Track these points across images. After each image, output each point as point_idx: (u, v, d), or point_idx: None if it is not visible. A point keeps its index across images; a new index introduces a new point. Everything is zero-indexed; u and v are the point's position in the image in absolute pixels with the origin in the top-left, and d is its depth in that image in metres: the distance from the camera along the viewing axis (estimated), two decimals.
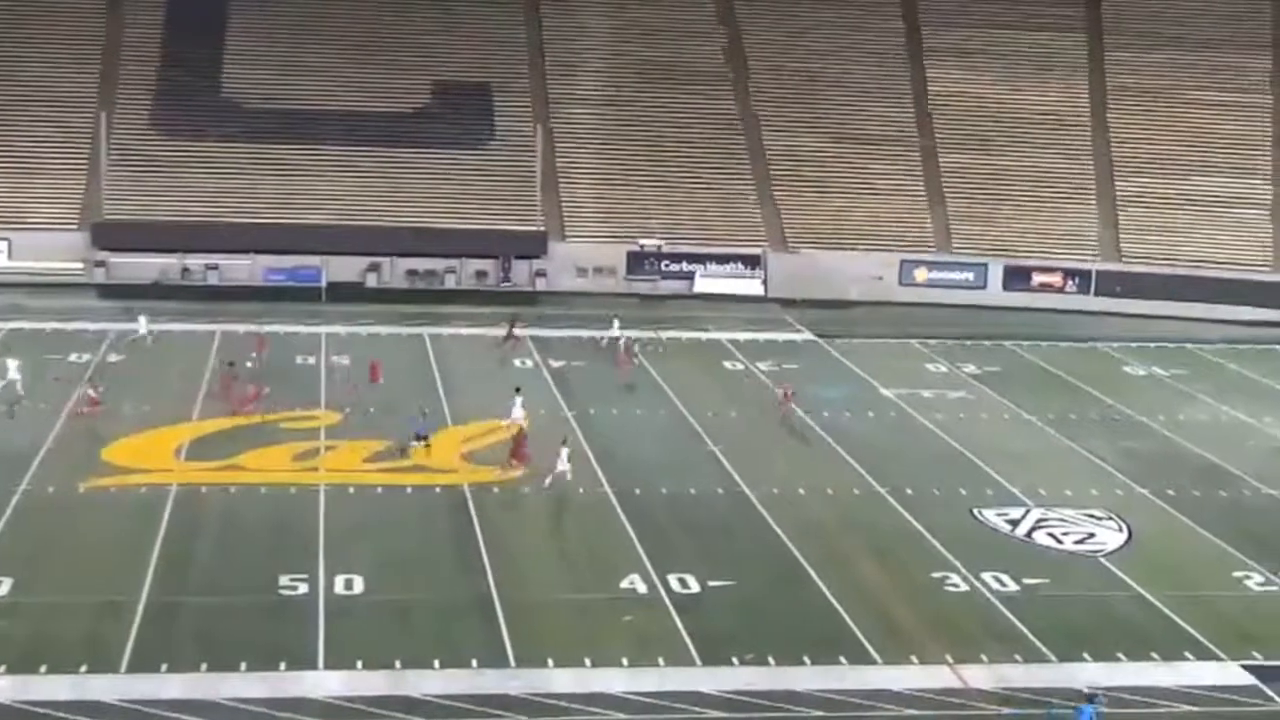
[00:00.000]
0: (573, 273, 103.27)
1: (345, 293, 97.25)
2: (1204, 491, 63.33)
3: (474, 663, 43.80)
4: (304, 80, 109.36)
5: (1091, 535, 57.08)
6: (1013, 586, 51.34)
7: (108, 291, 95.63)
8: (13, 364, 70.84)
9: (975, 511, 59.24)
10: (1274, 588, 52.46)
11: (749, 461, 64.37)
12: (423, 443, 64.13)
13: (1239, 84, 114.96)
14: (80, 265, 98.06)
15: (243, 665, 42.94)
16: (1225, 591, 52.15)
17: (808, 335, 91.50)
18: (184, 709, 40.39)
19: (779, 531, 56.07)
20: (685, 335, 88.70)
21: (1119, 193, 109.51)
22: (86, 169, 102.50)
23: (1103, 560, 54.53)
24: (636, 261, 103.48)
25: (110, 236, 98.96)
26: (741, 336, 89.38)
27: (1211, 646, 46.92)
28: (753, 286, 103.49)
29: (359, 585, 49.28)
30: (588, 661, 44.19)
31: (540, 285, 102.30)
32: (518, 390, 68.89)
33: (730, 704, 42.10)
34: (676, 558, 52.76)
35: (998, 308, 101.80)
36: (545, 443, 62.70)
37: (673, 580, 50.57)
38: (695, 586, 50.27)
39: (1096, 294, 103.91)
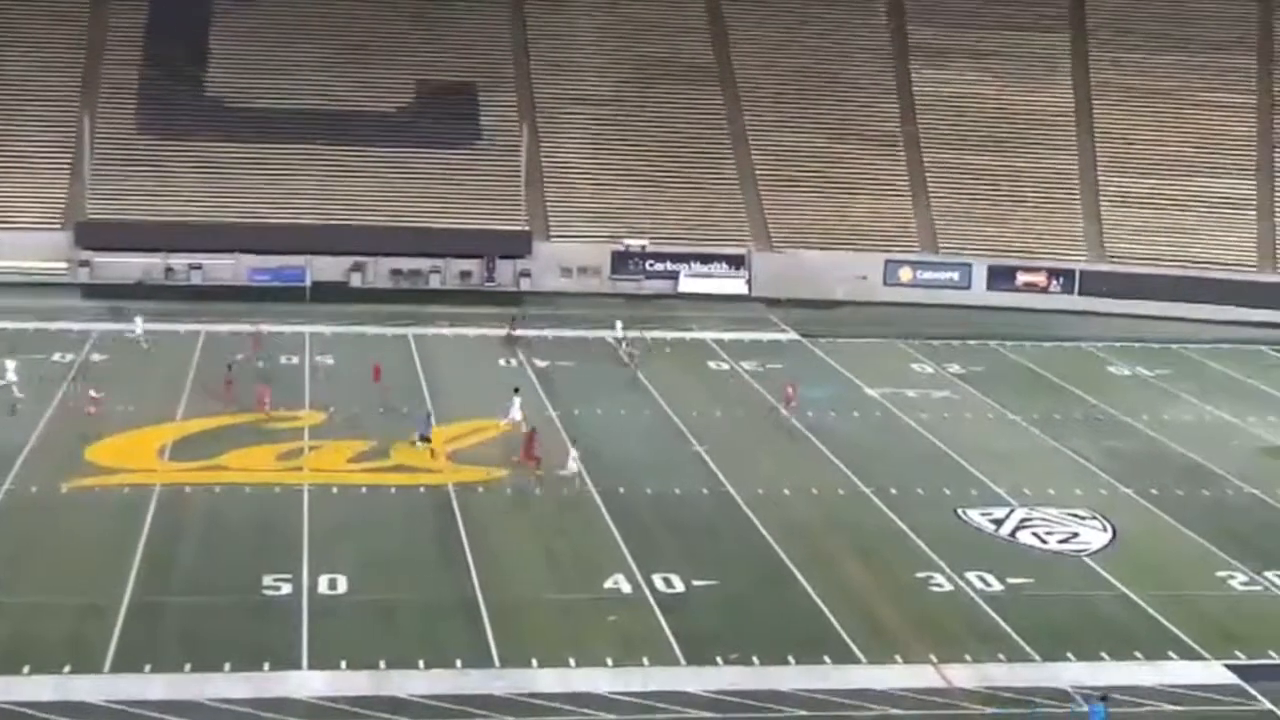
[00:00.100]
0: (557, 272, 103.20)
1: (330, 292, 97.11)
2: (1188, 491, 63.42)
3: (458, 663, 43.76)
4: (288, 80, 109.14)
5: (1075, 535, 57.14)
6: (997, 586, 51.39)
7: (91, 291, 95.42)
8: (10, 364, 70.74)
9: (959, 511, 59.29)
10: (1257, 587, 52.55)
11: (734, 461, 64.39)
12: (425, 444, 64.13)
13: (1224, 83, 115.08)
14: (64, 265, 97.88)
15: (226, 665, 42.89)
16: (1209, 591, 52.23)
17: (792, 335, 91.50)
18: (168, 709, 40.31)
19: (764, 531, 56.08)
20: (670, 335, 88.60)
21: (1103, 192, 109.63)
22: (70, 168, 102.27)
23: (1086, 560, 54.59)
24: (621, 261, 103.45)
25: (94, 236, 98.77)
26: (726, 336, 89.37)
27: (1195, 646, 46.99)
28: (737, 286, 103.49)
29: (343, 585, 49.24)
30: (572, 661, 44.16)
31: (525, 285, 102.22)
32: (516, 390, 69.02)
33: (715, 704, 42.09)
34: (661, 558, 52.76)
35: (982, 307, 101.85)
36: (546, 443, 63.03)
37: (657, 580, 50.57)
38: (680, 586, 50.28)
39: (1081, 294, 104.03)
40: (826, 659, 45.16)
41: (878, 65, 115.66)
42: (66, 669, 42.43)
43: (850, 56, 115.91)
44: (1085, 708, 41.86)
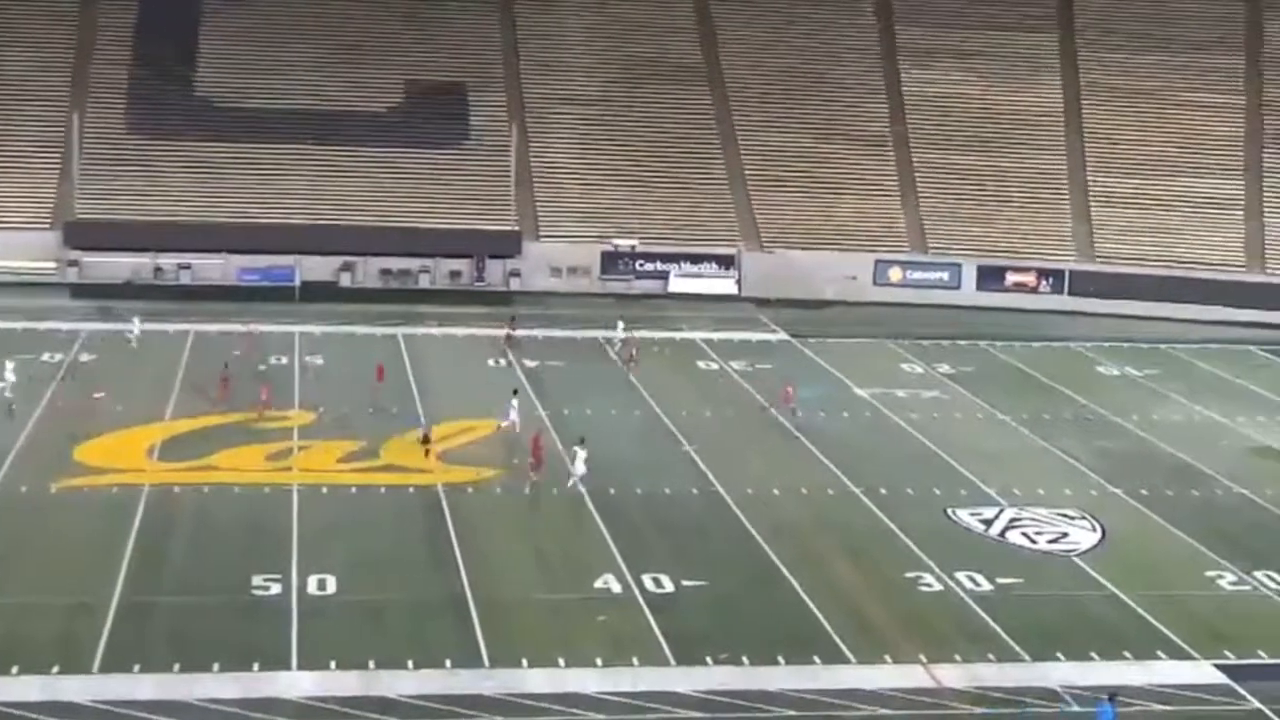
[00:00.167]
0: (547, 272, 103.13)
1: (319, 292, 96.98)
2: (1177, 491, 63.49)
3: (448, 663, 43.76)
4: (278, 80, 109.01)
5: (1065, 535, 57.19)
6: (986, 586, 51.43)
7: (80, 291, 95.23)
8: (9, 365, 70.71)
9: (949, 511, 59.32)
10: (1246, 587, 52.61)
11: (724, 461, 64.41)
12: (427, 443, 64.18)
13: (1213, 83, 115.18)
14: (53, 265, 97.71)
15: (215, 666, 42.85)
16: (1198, 591, 52.30)
17: (782, 335, 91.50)
18: (156, 709, 40.27)
19: (753, 531, 56.10)
20: (659, 335, 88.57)
21: (1092, 192, 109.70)
22: (59, 168, 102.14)
23: (1076, 560, 54.65)
24: (611, 261, 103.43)
25: (83, 236, 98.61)
26: (716, 336, 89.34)
27: (1184, 645, 47.06)
28: (727, 286, 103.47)
29: (332, 585, 49.20)
30: (562, 661, 44.16)
31: (514, 285, 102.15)
32: (515, 392, 69.06)
33: (704, 704, 42.10)
34: (651, 558, 52.77)
35: (972, 307, 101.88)
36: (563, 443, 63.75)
37: (647, 580, 50.58)
38: (669, 586, 50.29)
39: (1070, 294, 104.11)
40: (816, 659, 45.18)
41: (866, 65, 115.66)
42: (55, 669, 42.38)
43: (838, 57, 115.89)
44: (1075, 707, 41.97)
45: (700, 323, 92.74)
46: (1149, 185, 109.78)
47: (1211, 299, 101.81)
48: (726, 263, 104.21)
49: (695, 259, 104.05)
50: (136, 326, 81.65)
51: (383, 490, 59.47)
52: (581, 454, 59.92)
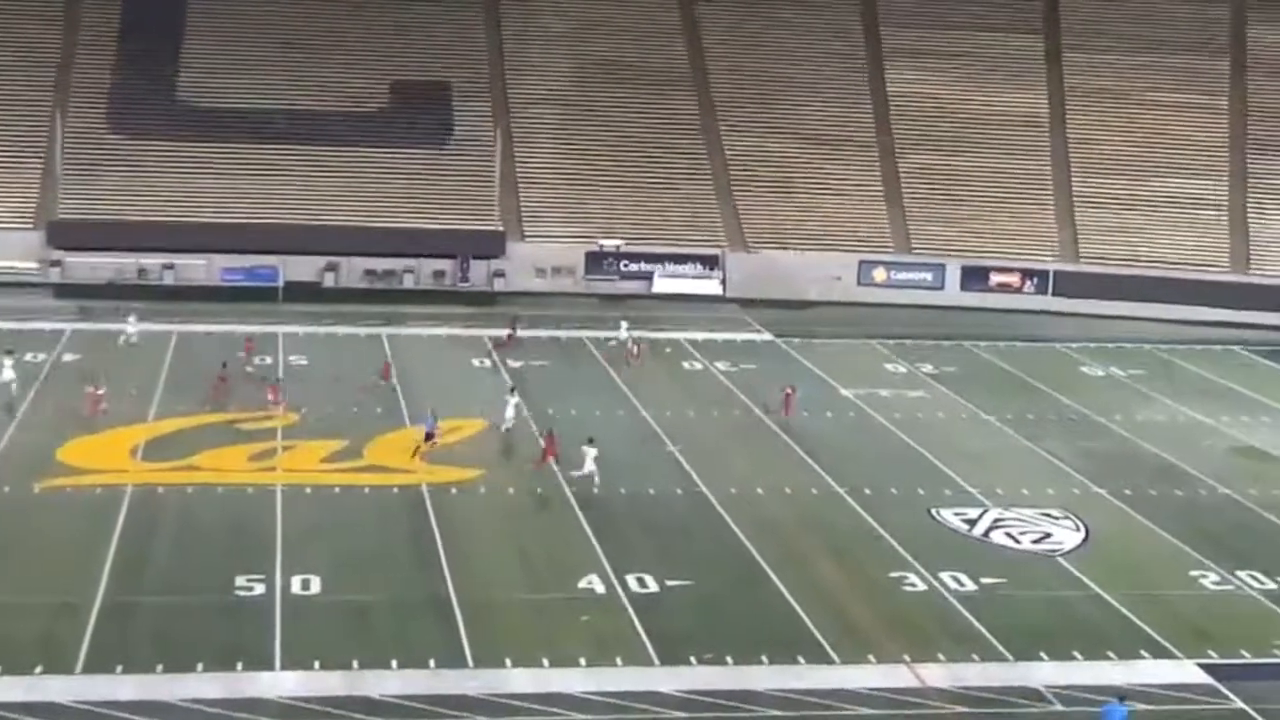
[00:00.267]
0: (531, 273, 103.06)
1: (303, 293, 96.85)
2: (1161, 491, 63.57)
3: (432, 663, 43.73)
4: (261, 80, 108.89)
5: (1048, 535, 57.24)
6: (970, 586, 51.46)
7: (63, 291, 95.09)
8: (8, 363, 70.61)
9: (933, 511, 59.36)
10: (1230, 586, 52.69)
11: (708, 462, 64.40)
12: (430, 442, 64.19)
13: (1196, 85, 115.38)
14: (36, 265, 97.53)
15: (199, 666, 42.80)
16: (1181, 590, 52.37)
17: (766, 335, 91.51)
18: (139, 710, 40.20)
19: (737, 531, 56.09)
20: (644, 335, 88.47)
21: (1076, 193, 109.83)
22: (42, 168, 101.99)
23: (1060, 560, 54.70)
24: (595, 261, 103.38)
25: (66, 236, 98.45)
26: (700, 336, 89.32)
27: (1168, 645, 47.12)
28: (711, 287, 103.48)
29: (316, 585, 49.14)
30: (546, 662, 44.14)
31: (499, 285, 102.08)
32: (512, 390, 69.02)
33: (688, 704, 42.08)
34: (635, 558, 52.76)
35: (956, 308, 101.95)
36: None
37: (631, 580, 50.57)
38: (654, 586, 50.27)
39: (1054, 294, 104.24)
40: (800, 659, 45.19)
41: (851, 68, 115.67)
42: (38, 669, 42.29)
43: (823, 58, 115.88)
44: (1058, 706, 42.07)
45: (684, 323, 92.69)
46: (1133, 187, 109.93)
47: (1195, 300, 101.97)
48: (711, 263, 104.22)
49: (680, 259, 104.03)
50: (133, 326, 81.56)
51: (366, 490, 59.40)
52: (591, 453, 59.88)
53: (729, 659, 44.79)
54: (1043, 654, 46.14)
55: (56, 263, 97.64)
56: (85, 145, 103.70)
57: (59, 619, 45.69)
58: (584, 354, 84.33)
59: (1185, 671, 45.44)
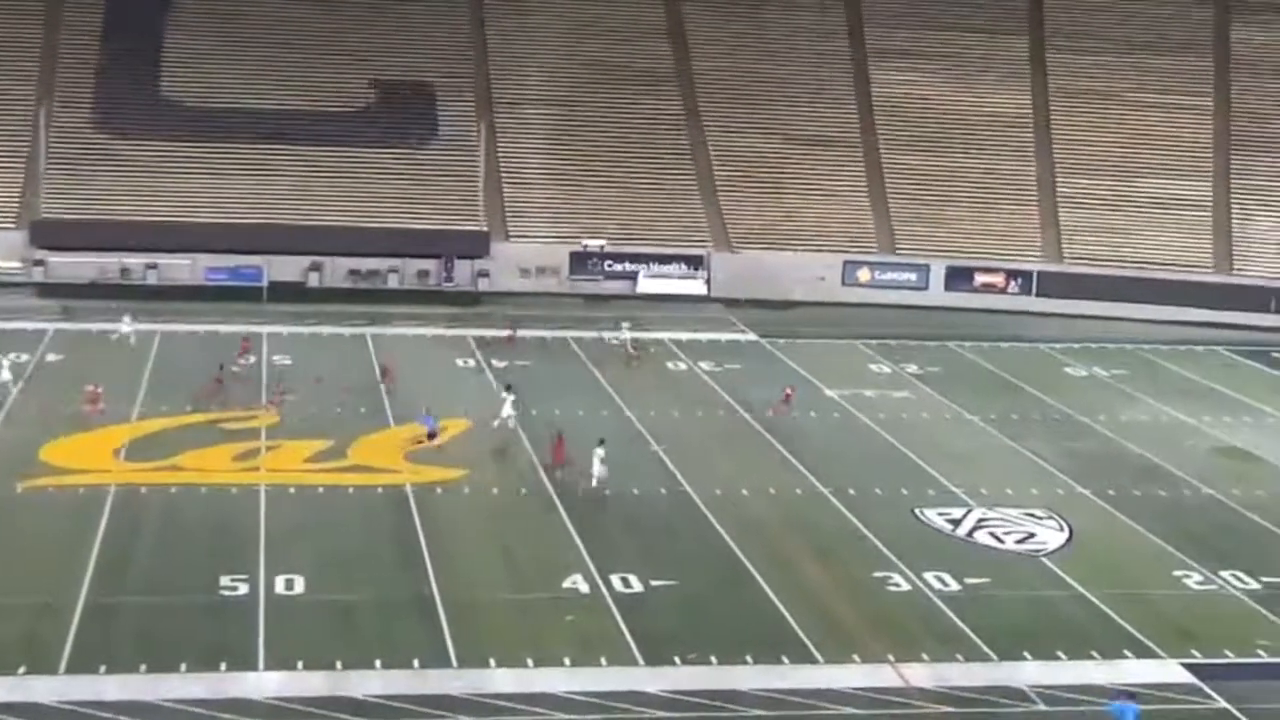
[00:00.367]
0: (515, 273, 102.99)
1: (287, 292, 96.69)
2: (1144, 491, 63.66)
3: (415, 663, 43.70)
4: (245, 79, 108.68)
5: (1032, 535, 57.31)
6: (954, 586, 51.51)
7: (47, 291, 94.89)
8: (5, 363, 70.48)
9: (917, 511, 59.40)
10: (1213, 586, 52.78)
11: (692, 462, 64.41)
12: (432, 441, 64.05)
13: (1180, 86, 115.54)
14: (19, 264, 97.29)
15: (182, 666, 42.75)
16: (1165, 590, 52.45)
17: (751, 335, 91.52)
18: (123, 710, 40.15)
19: (721, 531, 56.11)
20: (627, 335, 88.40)
21: (1061, 194, 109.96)
22: (25, 167, 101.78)
23: (1043, 560, 54.76)
24: (579, 262, 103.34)
25: (49, 235, 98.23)
26: (685, 337, 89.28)
27: (1151, 645, 47.21)
28: (696, 287, 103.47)
29: (300, 585, 49.10)
30: (530, 661, 44.13)
31: (483, 285, 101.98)
32: (509, 388, 68.92)
33: (672, 704, 42.09)
34: (619, 557, 52.75)
35: (940, 308, 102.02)
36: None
37: (615, 580, 50.56)
38: (638, 586, 50.28)
39: (1038, 295, 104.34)
40: (784, 659, 45.21)
41: (836, 68, 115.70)
42: (21, 670, 42.23)
43: (808, 59, 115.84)
44: (1041, 706, 42.13)
45: (669, 323, 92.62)
46: (1117, 187, 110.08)
47: (1178, 300, 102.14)
48: (695, 263, 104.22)
49: (664, 260, 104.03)
50: (128, 326, 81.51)
51: (351, 490, 59.35)
52: (600, 453, 59.93)
53: (713, 659, 44.81)
54: (1026, 654, 46.21)
55: (40, 262, 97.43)
56: (68, 144, 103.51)
57: (42, 619, 45.61)
58: (568, 354, 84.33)
59: (1169, 671, 45.51)
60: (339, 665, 43.20)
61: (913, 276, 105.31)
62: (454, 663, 43.98)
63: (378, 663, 43.50)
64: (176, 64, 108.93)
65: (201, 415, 68.32)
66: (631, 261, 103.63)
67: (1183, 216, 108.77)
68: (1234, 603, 51.59)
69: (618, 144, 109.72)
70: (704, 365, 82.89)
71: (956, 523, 58.31)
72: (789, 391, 74.16)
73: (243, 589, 48.58)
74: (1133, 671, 45.23)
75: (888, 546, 55.11)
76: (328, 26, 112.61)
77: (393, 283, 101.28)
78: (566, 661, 44.28)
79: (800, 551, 54.66)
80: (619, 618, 47.59)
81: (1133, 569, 54.48)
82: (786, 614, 48.54)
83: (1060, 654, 46.32)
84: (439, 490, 59.60)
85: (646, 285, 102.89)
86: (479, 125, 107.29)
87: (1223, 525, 60.09)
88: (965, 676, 44.56)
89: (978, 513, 59.44)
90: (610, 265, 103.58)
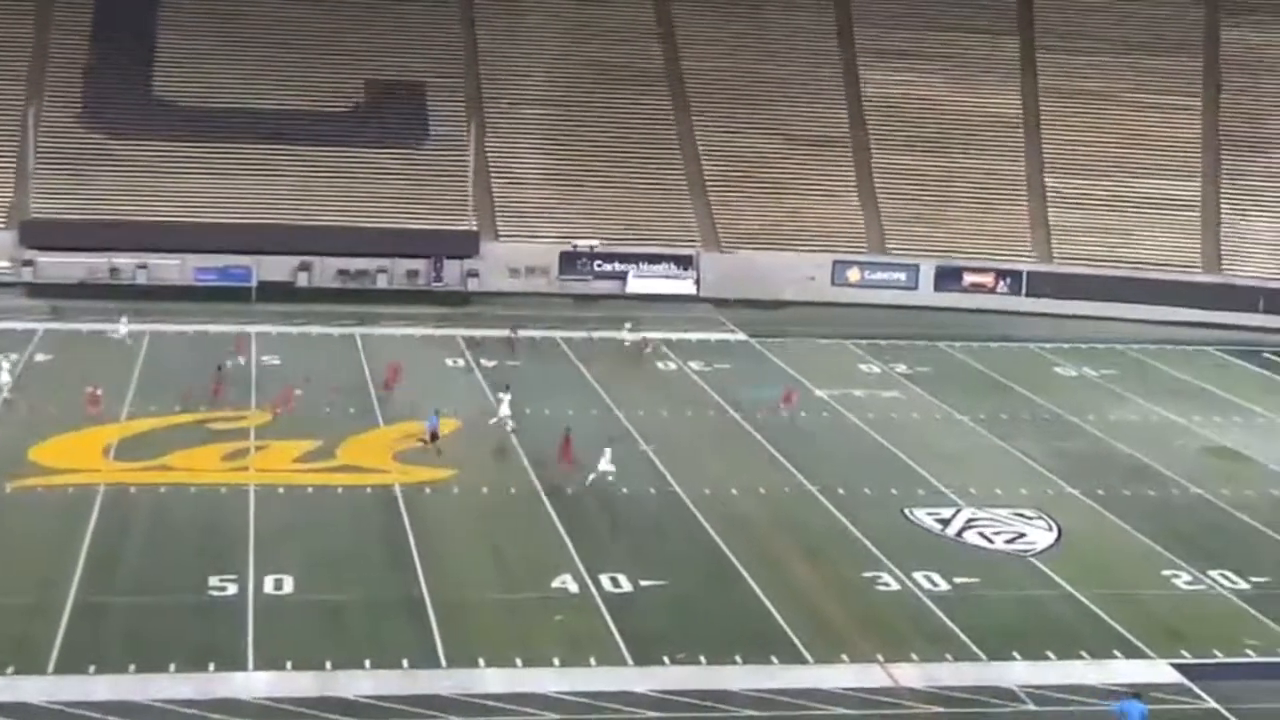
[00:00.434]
0: (505, 273, 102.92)
1: (276, 292, 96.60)
2: (1133, 491, 63.72)
3: (405, 663, 43.68)
4: (235, 79, 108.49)
5: (1022, 535, 57.35)
6: (943, 585, 51.54)
7: (36, 291, 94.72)
8: (4, 364, 70.45)
9: (906, 511, 59.44)
10: (1202, 586, 52.83)
11: (681, 461, 64.40)
12: (435, 442, 64.22)
13: (1170, 86, 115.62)
14: (8, 264, 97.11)
15: (171, 666, 42.72)
16: (1154, 590, 52.49)
17: (740, 335, 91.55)
18: (112, 710, 40.13)
19: (711, 531, 56.12)
20: (618, 335, 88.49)
21: (1051, 194, 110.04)
22: (14, 167, 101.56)
23: (1033, 559, 54.80)
24: (569, 261, 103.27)
25: (38, 235, 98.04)
26: (674, 336, 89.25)
27: (1140, 645, 47.25)
28: (685, 286, 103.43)
29: (289, 585, 49.08)
30: (519, 661, 44.13)
31: (472, 285, 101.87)
32: (506, 388, 68.90)
33: (662, 703, 42.09)
34: (608, 557, 52.75)
35: (930, 308, 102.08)
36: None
37: (604, 580, 50.56)
38: (627, 586, 50.28)
39: (1028, 294, 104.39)
40: (773, 659, 45.22)
41: (826, 68, 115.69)
42: (10, 670, 42.20)
43: (798, 59, 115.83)
44: (1031, 705, 42.16)
45: (659, 323, 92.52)
46: (1106, 187, 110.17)
47: (1168, 300, 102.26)
48: (685, 263, 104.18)
49: (654, 259, 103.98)
50: (124, 327, 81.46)
51: (340, 490, 59.33)
52: (608, 453, 60.03)
53: (702, 659, 44.81)
54: (1016, 654, 46.24)
55: (29, 262, 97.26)
56: (58, 144, 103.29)
57: (31, 619, 45.57)
58: (557, 354, 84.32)
59: (1158, 671, 45.56)
60: (328, 665, 43.18)
61: (902, 276, 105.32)
62: (443, 663, 43.96)
63: (367, 663, 43.48)
64: (166, 63, 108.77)
65: (190, 415, 68.26)
66: (621, 261, 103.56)
67: (1172, 217, 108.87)
68: (1223, 602, 51.64)
69: (608, 144, 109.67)
70: (693, 365, 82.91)
71: (946, 522, 58.35)
72: (788, 391, 74.17)
73: (232, 589, 48.55)
74: (1122, 671, 45.30)
75: (877, 546, 55.14)
76: (318, 26, 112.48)
77: (382, 283, 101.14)
78: (556, 661, 44.27)
79: (789, 551, 54.68)
80: (608, 618, 47.59)
81: (1122, 569, 54.53)
82: (776, 614, 48.55)
83: (1049, 654, 46.36)
84: (428, 490, 59.59)
85: (636, 285, 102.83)
86: (469, 125, 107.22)
87: (1212, 525, 60.18)
88: (954, 676, 44.60)
89: (967, 512, 59.48)
90: (600, 265, 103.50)
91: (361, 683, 42.31)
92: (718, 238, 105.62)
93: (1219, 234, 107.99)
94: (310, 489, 59.30)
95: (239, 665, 43.15)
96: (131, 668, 42.57)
